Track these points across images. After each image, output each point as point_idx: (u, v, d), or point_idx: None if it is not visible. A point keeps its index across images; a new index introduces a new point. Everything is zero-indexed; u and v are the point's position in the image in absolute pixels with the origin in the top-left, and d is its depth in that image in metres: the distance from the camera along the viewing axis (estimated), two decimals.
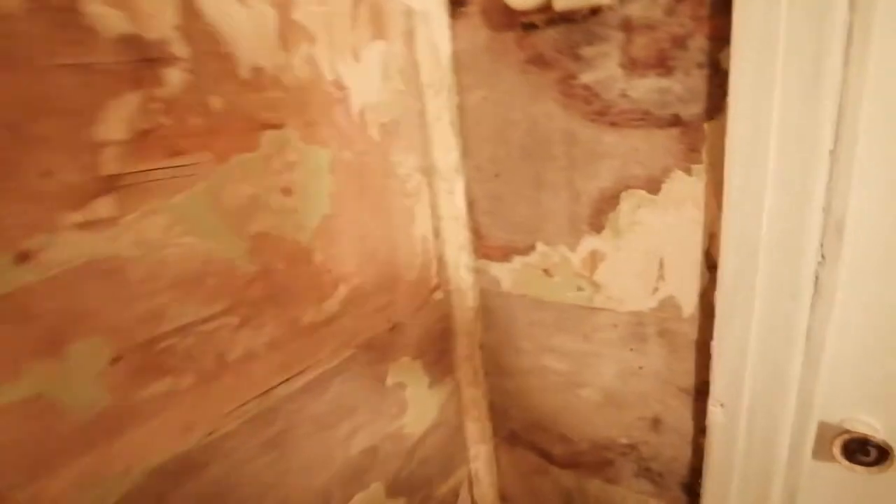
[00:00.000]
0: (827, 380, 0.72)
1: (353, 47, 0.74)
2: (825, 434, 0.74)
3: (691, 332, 0.79)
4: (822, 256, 0.67)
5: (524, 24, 0.79)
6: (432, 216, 0.92)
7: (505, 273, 0.95)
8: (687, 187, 0.74)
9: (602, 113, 0.77)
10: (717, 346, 0.76)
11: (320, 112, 0.70)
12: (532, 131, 0.83)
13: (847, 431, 0.71)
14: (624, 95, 0.75)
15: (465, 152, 0.91)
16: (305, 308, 0.72)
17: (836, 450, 0.71)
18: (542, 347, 0.95)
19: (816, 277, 0.68)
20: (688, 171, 0.73)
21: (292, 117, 0.67)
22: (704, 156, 0.72)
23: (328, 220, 0.74)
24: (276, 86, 0.65)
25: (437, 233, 0.93)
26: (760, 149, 0.65)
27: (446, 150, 0.90)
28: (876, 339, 0.68)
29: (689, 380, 0.81)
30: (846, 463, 0.71)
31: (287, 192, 0.68)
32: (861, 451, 0.70)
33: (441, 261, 0.94)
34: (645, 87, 0.73)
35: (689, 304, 0.78)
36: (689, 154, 0.72)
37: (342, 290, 0.77)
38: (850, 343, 0.69)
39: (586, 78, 0.77)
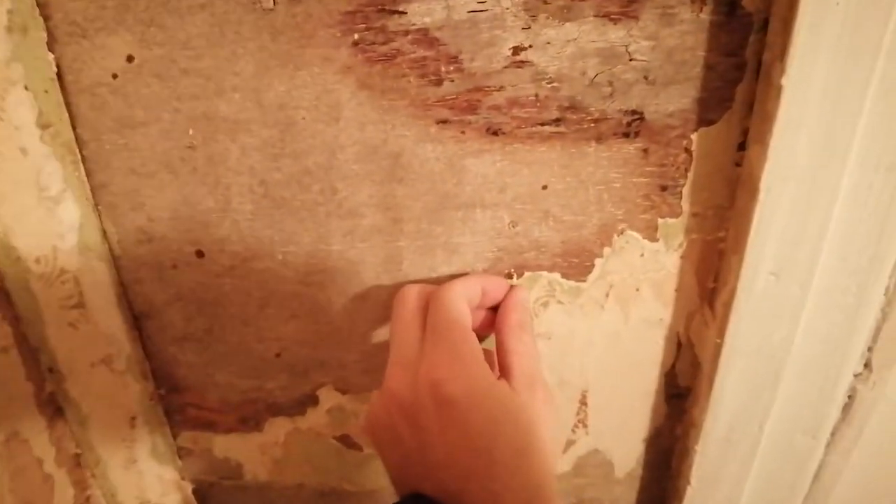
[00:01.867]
0: None
1: None
2: None
3: (627, 498, 0.44)
4: (866, 365, 0.38)
5: None
6: None
7: None
8: (647, 263, 0.36)
9: (467, 107, 0.32)
10: None
11: None
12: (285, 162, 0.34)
13: None
14: (519, 64, 0.31)
15: None
16: None
17: None
18: None
19: (850, 397, 0.38)
20: (650, 233, 0.35)
21: None
22: (686, 200, 0.34)
23: None
24: None
25: None
26: (827, 185, 0.30)
27: None
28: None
29: None
30: None
31: None
32: None
33: None
34: (570, 47, 0.31)
35: (628, 457, 0.42)
36: (657, 196, 0.34)
37: None
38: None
39: (419, 14, 0.30)
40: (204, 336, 0.41)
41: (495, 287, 0.34)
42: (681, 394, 0.40)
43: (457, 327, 0.30)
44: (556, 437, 0.30)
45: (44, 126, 0.35)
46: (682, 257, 0.35)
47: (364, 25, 0.31)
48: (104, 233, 0.38)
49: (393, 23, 0.31)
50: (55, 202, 0.36)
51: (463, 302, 0.31)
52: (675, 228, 0.34)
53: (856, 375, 0.37)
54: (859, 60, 0.27)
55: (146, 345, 0.42)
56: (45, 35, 0.33)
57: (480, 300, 0.34)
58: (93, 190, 0.37)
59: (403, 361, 0.30)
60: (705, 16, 0.29)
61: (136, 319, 0.41)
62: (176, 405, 0.45)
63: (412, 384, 0.29)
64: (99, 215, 0.38)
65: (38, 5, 0.32)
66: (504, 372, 0.31)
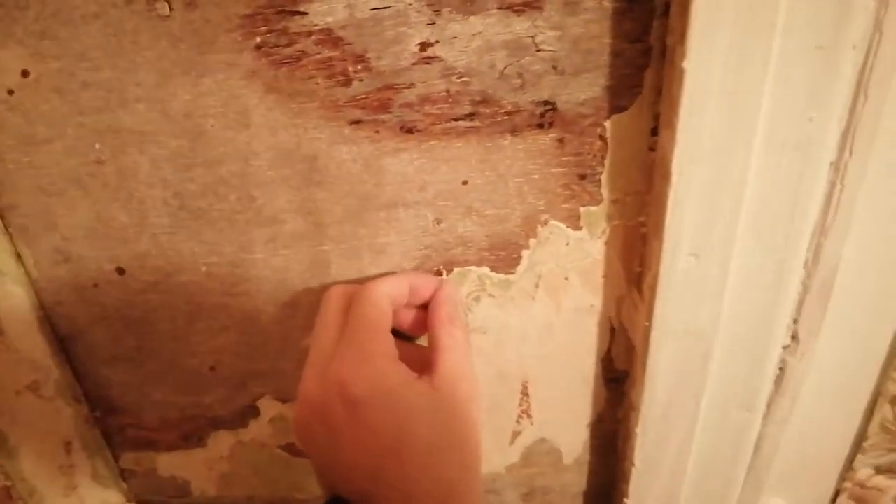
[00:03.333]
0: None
1: None
2: None
3: (577, 483, 0.45)
4: (793, 337, 0.38)
5: None
6: None
7: None
8: (572, 252, 0.36)
9: (378, 106, 0.32)
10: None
11: None
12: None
13: None
14: (427, 60, 0.31)
15: None
16: None
17: None
18: None
19: (781, 369, 0.39)
20: (573, 222, 0.35)
21: None
22: (606, 187, 0.34)
23: None
24: None
25: None
26: (736, 166, 0.31)
27: None
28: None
29: None
30: None
31: None
32: None
33: None
34: (477, 39, 0.30)
35: (574, 443, 0.43)
36: (576, 185, 0.34)
37: None
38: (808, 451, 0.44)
39: (321, 14, 0.30)
40: (134, 354, 0.40)
41: (424, 284, 0.34)
42: (619, 377, 0.40)
43: (371, 326, 0.29)
44: (476, 434, 0.30)
45: None
46: (606, 244, 0.35)
47: (265, 28, 0.30)
48: (18, 255, 0.37)
49: (295, 24, 0.30)
50: None
51: (385, 300, 0.31)
52: (597, 216, 0.35)
53: (784, 348, 0.38)
54: (757, 39, 0.28)
55: (75, 367, 0.41)
56: None
57: (409, 298, 0.34)
58: (1, 212, 0.36)
59: (317, 362, 0.30)
60: (608, 3, 0.30)
61: (62, 342, 0.40)
62: (114, 427, 0.44)
63: (322, 385, 0.29)
64: (10, 238, 0.36)
65: None
66: (428, 368, 0.30)
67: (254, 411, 0.42)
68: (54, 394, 0.40)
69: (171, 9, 0.30)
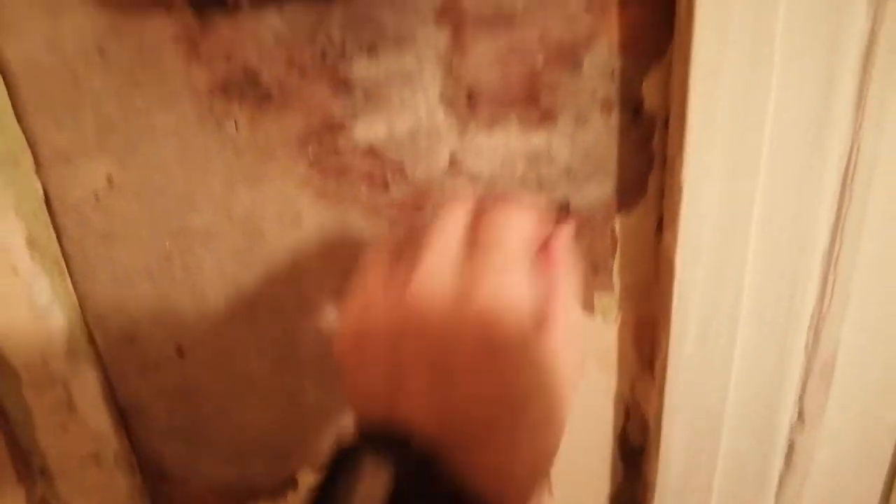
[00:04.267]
0: None
1: None
2: None
3: None
4: (800, 415, 0.41)
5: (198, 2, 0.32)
6: None
7: None
8: (588, 335, 0.39)
9: (413, 207, 0.36)
10: None
11: None
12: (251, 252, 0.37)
13: None
14: (455, 166, 0.35)
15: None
16: None
17: None
18: None
19: (790, 446, 0.41)
20: (588, 307, 0.38)
21: None
22: (617, 277, 0.38)
23: None
24: None
25: None
26: (734, 263, 0.34)
27: None
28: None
29: None
30: None
31: None
32: None
33: None
34: (500, 150, 0.35)
35: None
36: (591, 275, 0.38)
37: None
38: None
39: (364, 132, 0.35)
40: (187, 428, 0.44)
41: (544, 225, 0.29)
42: (635, 454, 0.42)
43: (524, 258, 0.25)
44: (569, 407, 0.26)
45: (33, 246, 0.38)
46: (620, 328, 0.39)
47: (317, 143, 0.35)
48: (90, 336, 0.41)
49: (343, 140, 0.35)
50: (44, 313, 0.39)
51: (531, 227, 0.27)
52: (610, 303, 0.38)
53: (792, 426, 0.40)
54: (749, 152, 0.32)
55: (132, 439, 0.45)
56: (32, 164, 0.37)
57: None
58: (79, 298, 0.40)
59: (440, 273, 0.25)
60: (614, 119, 0.34)
61: (123, 416, 0.44)
62: (162, 494, 0.47)
63: (448, 311, 0.24)
64: (85, 321, 0.41)
65: (27, 138, 0.36)
66: (544, 320, 0.25)
67: (293, 483, 0.45)
68: (113, 464, 0.44)
69: (237, 127, 0.35)
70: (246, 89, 0.34)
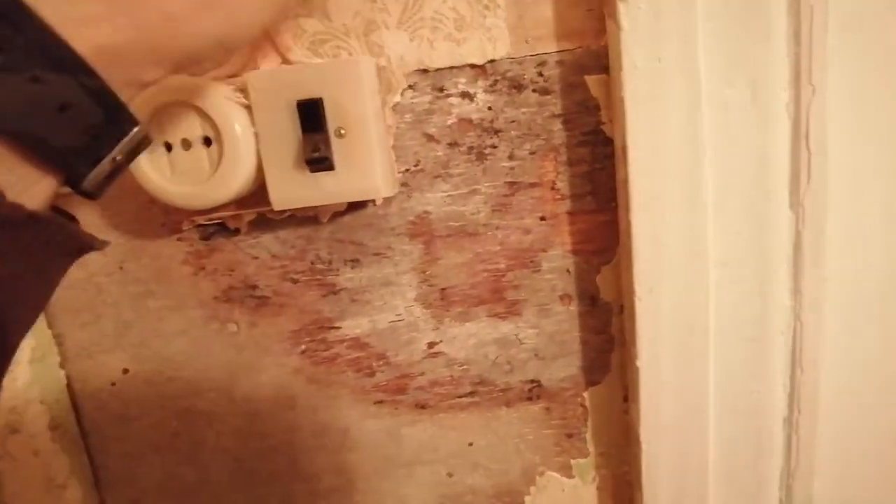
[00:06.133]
0: None
1: None
2: None
3: None
4: None
5: (206, 225, 0.37)
6: None
7: None
8: (568, 497, 0.41)
9: (397, 389, 0.40)
10: None
11: None
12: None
13: None
14: (434, 355, 0.39)
15: None
16: None
17: None
18: None
19: None
20: (566, 472, 0.41)
21: None
22: (591, 443, 0.40)
23: None
24: None
25: None
26: (696, 434, 0.37)
27: None
28: None
29: None
30: None
31: None
32: None
33: None
34: (473, 338, 0.38)
35: None
36: (566, 442, 0.40)
37: None
38: None
39: (351, 328, 0.39)
40: None
41: None
42: None
43: None
44: None
45: (54, 428, 0.42)
46: (598, 489, 0.41)
47: (308, 338, 0.39)
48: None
49: (331, 335, 0.39)
50: (62, 489, 0.43)
51: None
52: (586, 466, 0.41)
53: None
54: (697, 341, 0.35)
55: None
56: (59, 359, 0.41)
57: None
58: (95, 471, 0.44)
59: None
60: (574, 307, 0.38)
61: None
62: None
63: None
64: (99, 493, 0.44)
65: (54, 336, 0.41)
66: None
67: None
68: None
69: (238, 327, 0.39)
70: (245, 296, 0.38)
